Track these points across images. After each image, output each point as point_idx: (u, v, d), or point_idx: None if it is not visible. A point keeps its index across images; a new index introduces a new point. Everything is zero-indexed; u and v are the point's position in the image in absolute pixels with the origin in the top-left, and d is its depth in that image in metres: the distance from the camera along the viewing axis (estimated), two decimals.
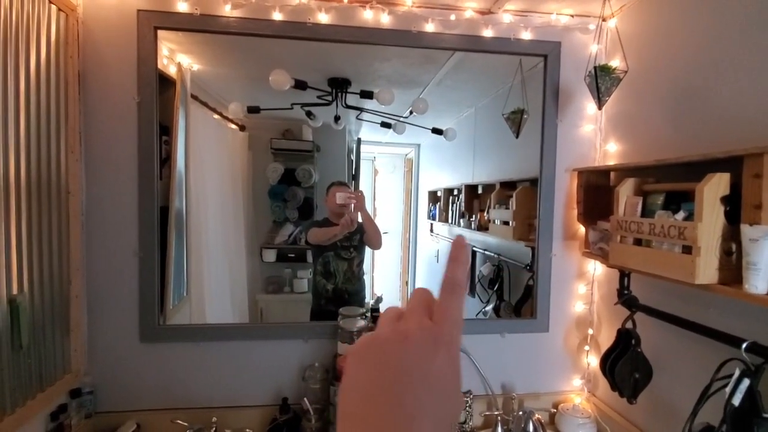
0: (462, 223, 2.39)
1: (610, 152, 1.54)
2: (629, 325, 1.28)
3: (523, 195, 1.86)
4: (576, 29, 1.57)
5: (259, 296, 2.17)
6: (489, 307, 2.12)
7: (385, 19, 1.48)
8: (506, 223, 1.98)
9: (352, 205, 1.98)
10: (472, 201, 2.35)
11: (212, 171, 2.05)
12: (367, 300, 2.11)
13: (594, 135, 1.60)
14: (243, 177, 2.20)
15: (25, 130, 1.09)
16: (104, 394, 1.41)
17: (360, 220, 1.97)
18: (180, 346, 1.44)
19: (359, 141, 2.37)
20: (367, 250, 2.03)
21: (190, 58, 1.75)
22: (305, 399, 1.34)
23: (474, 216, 2.31)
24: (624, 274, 1.31)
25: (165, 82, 1.50)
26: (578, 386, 1.63)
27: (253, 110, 2.11)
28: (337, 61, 1.93)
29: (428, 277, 2.70)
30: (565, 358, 1.63)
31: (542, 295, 1.59)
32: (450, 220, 2.51)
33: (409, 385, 0.31)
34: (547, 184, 1.57)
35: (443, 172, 2.59)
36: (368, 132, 2.28)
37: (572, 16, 1.55)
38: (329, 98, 2.04)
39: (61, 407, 1.28)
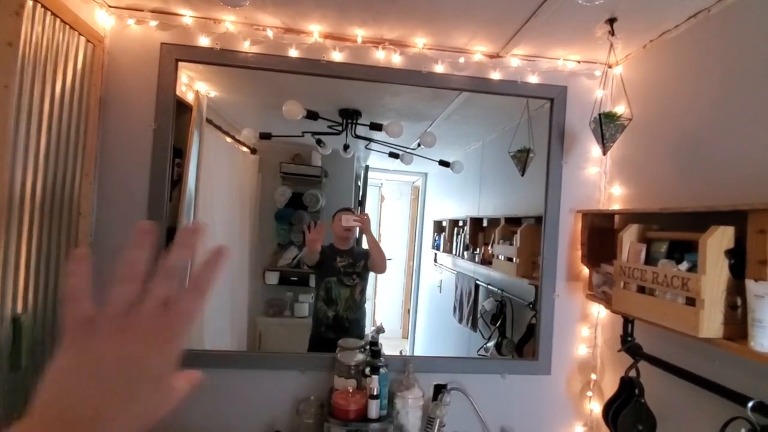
0: (466, 256, 2.38)
1: (615, 195, 1.55)
2: (633, 373, 1.25)
3: (527, 232, 1.86)
4: (582, 75, 1.61)
5: (259, 319, 2.16)
6: (491, 344, 2.08)
7: (396, 59, 1.53)
8: (510, 259, 1.98)
9: (357, 228, 1.99)
10: (477, 234, 2.35)
11: (222, 192, 2.08)
12: (367, 329, 2.08)
13: (599, 177, 1.62)
14: (251, 199, 2.23)
15: (45, 151, 1.13)
16: None
17: (361, 240, 1.99)
18: None
19: (367, 168, 2.41)
20: (370, 277, 2.03)
21: (208, 86, 1.82)
22: None
23: (478, 249, 2.31)
24: (628, 321, 1.29)
25: (182, 107, 1.55)
26: None
27: (265, 136, 2.17)
28: (349, 93, 1.98)
29: (430, 305, 2.68)
30: (566, 402, 1.59)
31: (545, 336, 1.56)
32: (454, 252, 2.51)
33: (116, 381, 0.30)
34: (551, 223, 1.57)
35: (449, 203, 2.60)
36: (376, 159, 2.31)
37: (578, 62, 1.60)
38: (339, 128, 2.09)
39: None
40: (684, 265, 1.03)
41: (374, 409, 1.25)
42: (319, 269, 1.97)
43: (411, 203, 2.71)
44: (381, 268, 1.98)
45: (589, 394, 1.56)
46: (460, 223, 2.50)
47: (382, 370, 1.33)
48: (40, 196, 1.12)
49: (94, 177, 1.36)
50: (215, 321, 1.96)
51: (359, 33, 1.48)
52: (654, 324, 1.10)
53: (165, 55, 1.41)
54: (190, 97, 1.68)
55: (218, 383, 1.45)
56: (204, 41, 1.44)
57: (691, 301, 0.98)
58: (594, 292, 1.43)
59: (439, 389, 1.48)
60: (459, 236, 2.50)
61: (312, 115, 1.97)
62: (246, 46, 1.46)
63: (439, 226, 2.67)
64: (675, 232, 1.15)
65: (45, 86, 1.12)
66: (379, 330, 1.95)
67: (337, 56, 1.50)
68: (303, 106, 1.82)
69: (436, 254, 2.68)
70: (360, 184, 2.39)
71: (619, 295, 1.22)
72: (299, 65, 1.49)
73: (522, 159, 1.82)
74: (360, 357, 1.40)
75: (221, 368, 1.45)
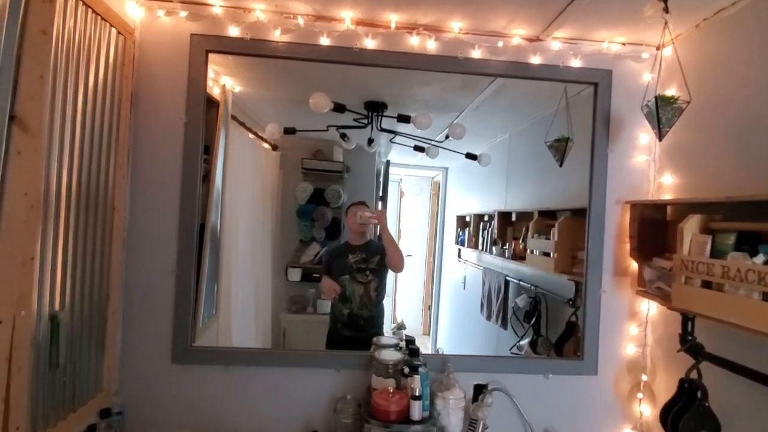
0: (494, 251, 2.31)
1: (666, 185, 1.45)
2: (694, 375, 1.16)
3: (566, 226, 1.78)
4: (628, 57, 1.51)
5: (283, 315, 2.15)
6: (524, 342, 2.01)
7: (431, 45, 1.47)
8: (547, 254, 1.90)
9: (372, 224, 1.93)
10: (506, 228, 2.27)
11: (245, 189, 2.06)
12: (386, 326, 2.02)
13: (647, 166, 1.52)
14: (273, 196, 2.21)
15: (79, 145, 1.11)
16: (133, 415, 1.37)
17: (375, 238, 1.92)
18: (210, 369, 1.41)
19: (388, 163, 2.36)
20: (389, 273, 1.96)
21: (233, 80, 1.79)
22: None
23: (508, 244, 2.23)
24: (687, 318, 1.20)
25: (208, 103, 1.52)
26: None
27: (289, 131, 2.13)
28: (376, 84, 1.93)
29: (454, 302, 2.61)
30: (614, 404, 1.51)
31: (591, 335, 1.48)
32: (481, 247, 2.43)
33: None
34: (596, 216, 1.49)
35: (473, 197, 2.52)
36: (396, 154, 2.27)
37: (624, 44, 1.50)
38: (365, 121, 2.04)
39: (90, 427, 1.25)
40: (760, 258, 0.95)
41: (417, 410, 1.20)
42: (332, 268, 1.92)
43: (431, 198, 2.66)
44: (398, 267, 1.91)
45: (640, 396, 1.48)
46: (486, 218, 2.43)
47: (422, 370, 1.27)
48: (75, 190, 1.10)
49: (126, 171, 1.33)
50: (241, 318, 1.95)
51: (393, 18, 1.42)
52: (722, 321, 1.01)
53: (195, 46, 1.38)
54: (215, 93, 1.65)
55: (255, 380, 1.42)
56: (234, 31, 1.40)
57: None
58: (647, 288, 1.34)
59: (479, 389, 1.42)
60: (485, 231, 2.43)
61: (339, 108, 1.92)
62: (276, 36, 1.42)
63: (462, 221, 2.60)
64: (745, 223, 1.06)
65: (78, 79, 1.10)
66: (400, 327, 1.88)
67: (369, 43, 1.44)
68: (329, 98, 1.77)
69: (460, 249, 2.61)
70: (381, 179, 2.34)
71: (679, 291, 1.13)
72: (331, 54, 1.44)
73: (560, 148, 1.73)
74: (398, 355, 1.34)
75: (258, 366, 1.42)
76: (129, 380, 1.38)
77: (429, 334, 2.58)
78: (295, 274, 2.19)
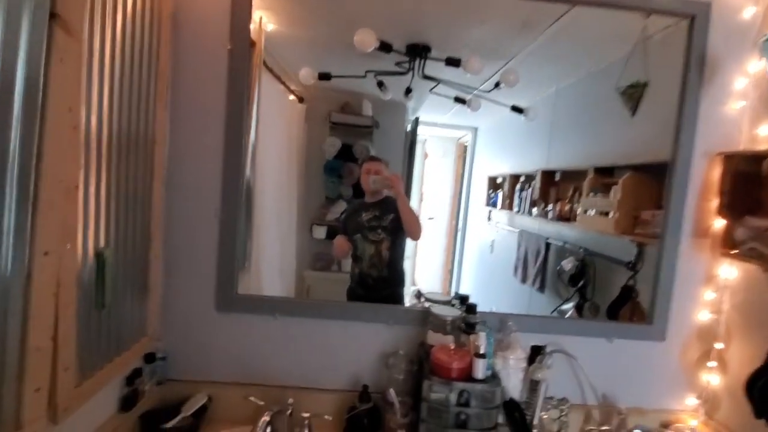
0: (535, 212, 2.18)
1: (761, 136, 1.29)
2: None
3: (631, 182, 1.63)
4: None
5: (307, 272, 2.09)
6: (568, 306, 1.92)
7: None
8: (605, 213, 1.76)
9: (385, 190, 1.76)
10: (548, 188, 2.14)
11: (273, 141, 1.96)
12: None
13: (740, 115, 1.35)
14: (299, 150, 2.11)
15: (119, 73, 0.98)
16: (176, 361, 1.33)
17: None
18: (255, 318, 1.34)
19: (417, 120, 2.21)
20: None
21: (268, 16, 1.62)
22: (391, 390, 1.20)
23: (550, 205, 2.10)
24: None
25: None
26: (692, 406, 1.41)
27: (324, 77, 1.97)
28: (422, 24, 1.75)
29: (479, 266, 2.53)
30: (679, 372, 1.41)
31: (662, 299, 1.37)
32: (518, 208, 2.31)
33: None
34: (681, 169, 1.33)
35: (507, 157, 2.38)
36: (426, 112, 2.11)
37: None
38: (407, 66, 1.87)
39: (136, 371, 1.21)
40: None
41: (481, 368, 1.11)
42: (348, 227, 1.82)
43: (456, 160, 2.53)
44: (414, 235, 1.78)
45: (710, 364, 1.38)
46: (523, 179, 2.29)
47: (480, 327, 1.18)
48: (116, 123, 0.98)
49: (167, 102, 1.21)
50: (267, 273, 1.90)
51: None
52: None
53: None
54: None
55: (302, 332, 1.36)
56: None
57: None
58: (739, 250, 1.21)
59: (537, 350, 1.33)
60: (523, 192, 2.30)
61: (385, 47, 1.75)
62: None
63: (494, 183, 2.47)
64: None
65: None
66: (419, 295, 1.80)
67: None
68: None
69: (490, 212, 2.50)
70: (409, 138, 2.21)
71: None
72: None
73: (635, 95, 1.56)
74: (457, 312, 1.25)
75: (305, 317, 1.35)
76: (172, 326, 1.33)
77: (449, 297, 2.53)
78: (320, 232, 2.12)
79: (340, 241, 1.83)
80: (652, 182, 1.52)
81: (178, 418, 1.20)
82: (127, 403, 1.17)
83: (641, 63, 1.53)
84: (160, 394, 1.30)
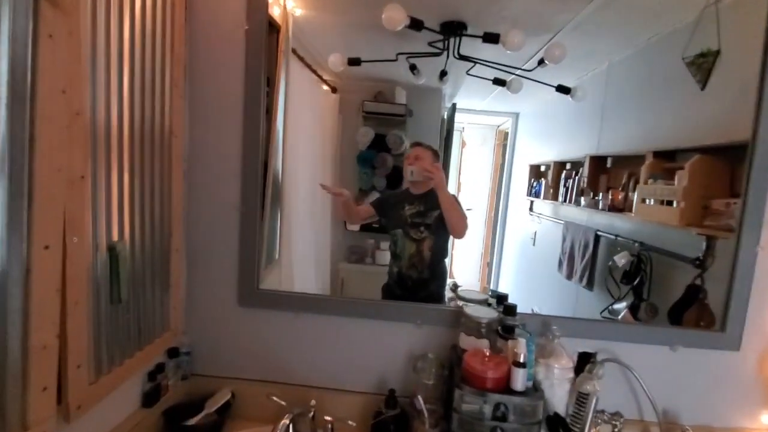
0: (583, 202, 2.00)
1: None
2: None
3: (699, 166, 1.43)
4: None
5: (341, 265, 2.05)
6: (620, 305, 1.73)
7: None
8: (668, 203, 1.56)
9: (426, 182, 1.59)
10: (598, 176, 1.94)
11: (305, 132, 1.91)
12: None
13: None
14: (332, 141, 2.05)
15: (129, 58, 0.93)
16: (200, 356, 1.30)
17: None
18: (279, 315, 1.29)
19: (454, 107, 2.07)
20: None
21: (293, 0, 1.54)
22: (419, 397, 1.11)
23: (601, 194, 1.91)
24: None
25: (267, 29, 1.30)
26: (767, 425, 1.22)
27: (354, 62, 1.88)
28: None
29: (519, 260, 2.38)
30: (755, 386, 1.22)
31: (737, 303, 1.17)
32: (564, 198, 2.13)
33: None
34: (763, 150, 1.13)
35: (552, 143, 2.20)
36: (463, 98, 1.99)
37: None
38: (440, 46, 1.74)
39: (159, 366, 1.19)
40: None
41: (521, 379, 0.99)
42: (387, 218, 1.68)
43: (495, 149, 2.38)
44: (458, 233, 1.58)
45: None
46: (569, 166, 2.10)
47: (524, 332, 1.05)
48: (129, 112, 0.94)
49: (184, 90, 1.16)
50: (301, 266, 1.86)
51: None
52: None
53: None
54: (275, 15, 1.40)
55: (326, 329, 1.29)
56: None
57: None
58: None
59: (586, 358, 1.19)
60: (569, 180, 2.11)
61: (416, 24, 1.62)
62: None
63: (536, 171, 2.29)
64: None
65: None
66: (455, 287, 1.64)
67: None
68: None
69: (532, 202, 2.33)
70: (445, 126, 2.09)
71: None
72: None
73: (706, 66, 1.35)
74: (494, 313, 1.13)
75: (329, 315, 1.28)
76: (197, 321, 1.30)
77: (487, 294, 2.39)
78: (354, 224, 2.07)
79: (364, 208, 1.74)
80: (725, 166, 1.32)
81: (202, 414, 1.17)
82: (150, 398, 1.15)
83: (710, 30, 1.33)
84: (185, 389, 1.27)
